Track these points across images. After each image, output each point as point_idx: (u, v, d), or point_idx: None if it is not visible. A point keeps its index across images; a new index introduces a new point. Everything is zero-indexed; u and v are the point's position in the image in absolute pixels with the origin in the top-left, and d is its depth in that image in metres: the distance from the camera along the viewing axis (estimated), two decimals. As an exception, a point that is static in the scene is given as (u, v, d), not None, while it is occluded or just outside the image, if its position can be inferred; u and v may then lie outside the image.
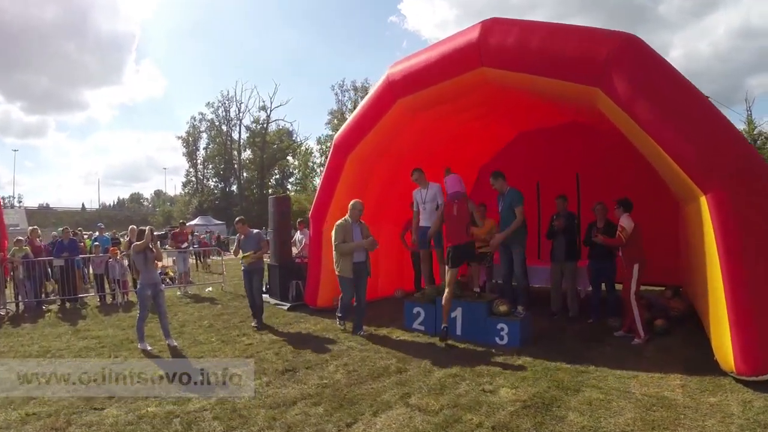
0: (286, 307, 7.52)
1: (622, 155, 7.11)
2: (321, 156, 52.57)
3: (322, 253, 7.10)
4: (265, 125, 52.36)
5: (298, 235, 9.41)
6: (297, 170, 54.70)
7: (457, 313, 5.38)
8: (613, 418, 3.26)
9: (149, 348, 5.31)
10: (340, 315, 6.08)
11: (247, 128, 52.88)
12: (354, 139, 6.71)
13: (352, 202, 5.82)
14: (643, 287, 6.85)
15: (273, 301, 8.08)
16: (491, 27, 4.95)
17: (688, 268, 5.40)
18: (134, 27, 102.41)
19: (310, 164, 53.53)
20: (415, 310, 5.82)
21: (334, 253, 5.73)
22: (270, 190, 50.72)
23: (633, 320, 4.94)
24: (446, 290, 5.22)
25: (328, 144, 54.28)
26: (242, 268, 6.50)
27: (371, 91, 6.51)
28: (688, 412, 3.30)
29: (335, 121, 50.13)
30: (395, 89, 6.04)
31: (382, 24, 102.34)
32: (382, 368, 4.50)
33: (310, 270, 7.45)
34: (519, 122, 7.82)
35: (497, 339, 5.07)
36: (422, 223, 6.14)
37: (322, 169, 56.39)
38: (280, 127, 53.25)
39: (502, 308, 5.19)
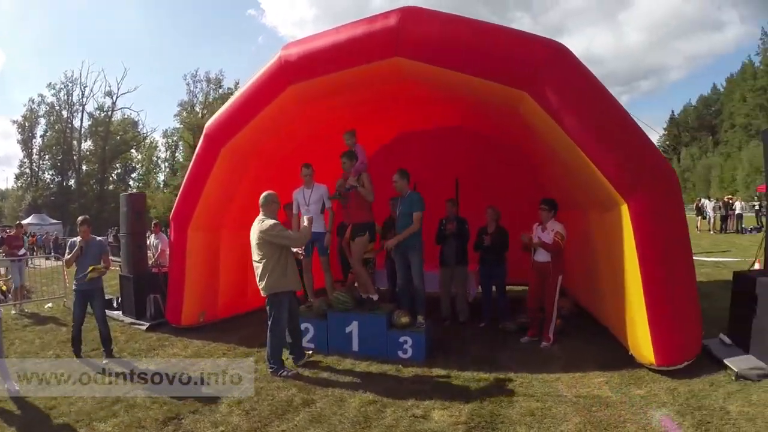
0: (144, 327, 6.26)
1: (505, 162, 7.52)
2: (166, 150, 49.61)
3: (186, 261, 5.99)
4: (109, 113, 46.87)
5: (153, 240, 8.14)
6: (141, 165, 50.07)
7: (353, 328, 4.89)
8: (562, 425, 3.20)
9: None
10: (273, 364, 4.44)
11: (90, 115, 46.93)
12: (231, 129, 5.73)
13: (267, 196, 4.52)
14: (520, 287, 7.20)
15: (128, 320, 6.66)
16: (412, 15, 4.58)
17: (583, 271, 5.66)
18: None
19: (155, 159, 49.83)
20: (303, 326, 5.07)
21: (262, 263, 4.35)
22: (111, 186, 46.24)
23: (546, 326, 4.96)
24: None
25: (175, 138, 50.38)
26: (74, 287, 4.95)
27: (258, 74, 5.56)
28: (625, 407, 3.37)
29: (185, 113, 47.12)
30: (289, 72, 5.24)
31: (239, 15, 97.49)
32: (284, 402, 3.67)
33: (171, 281, 6.20)
34: (402, 121, 7.64)
35: (400, 353, 4.70)
36: None
37: (166, 164, 52.42)
38: (126, 116, 48.27)
39: (404, 320, 4.83)
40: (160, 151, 50.36)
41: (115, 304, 7.32)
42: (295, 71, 5.20)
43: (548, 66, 4.00)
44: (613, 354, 4.40)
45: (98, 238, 5.39)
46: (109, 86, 51.26)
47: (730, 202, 19.34)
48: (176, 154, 51.28)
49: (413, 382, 4.04)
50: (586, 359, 4.40)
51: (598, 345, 4.77)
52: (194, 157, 6.09)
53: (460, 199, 7.36)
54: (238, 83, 48.14)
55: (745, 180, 44.19)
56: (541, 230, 4.94)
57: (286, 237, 4.35)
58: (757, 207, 20.72)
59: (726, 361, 3.78)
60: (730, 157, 53.04)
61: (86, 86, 46.27)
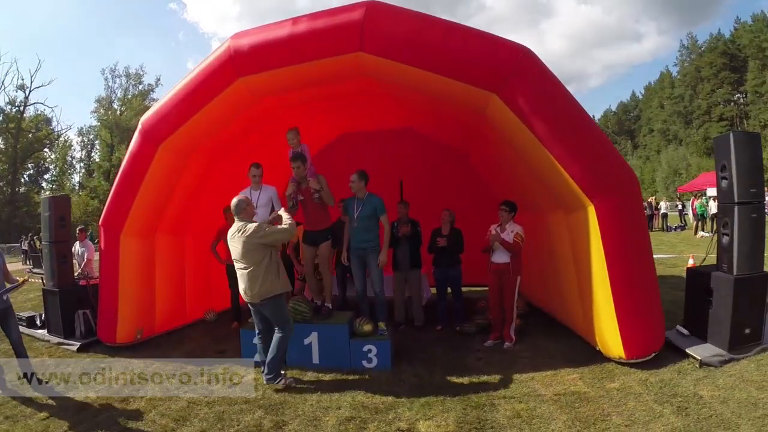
0: (75, 348, 5.56)
1: (451, 165, 7.59)
2: (82, 150, 46.30)
3: (119, 272, 5.42)
4: (21, 108, 42.07)
5: (78, 248, 7.49)
6: (54, 166, 45.79)
7: (312, 339, 4.64)
8: (551, 424, 3.22)
9: None
10: (271, 371, 4.17)
11: (1, 110, 41.96)
12: (171, 125, 5.26)
13: (239, 202, 4.15)
14: (476, 288, 7.28)
15: (54, 339, 5.91)
16: (377, 10, 4.41)
17: (537, 270, 5.76)
18: None
19: (69, 159, 46.11)
20: (256, 339, 4.66)
21: (250, 270, 3.99)
22: (23, 189, 42.26)
23: (507, 326, 4.98)
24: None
25: (91, 136, 47.25)
26: None
27: (203, 65, 5.13)
28: (605, 401, 3.46)
29: (102, 110, 44.06)
30: (240, 65, 4.87)
31: (161, 9, 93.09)
32: (253, 427, 3.35)
33: (102, 295, 5.59)
34: (346, 121, 7.48)
35: (365, 362, 4.53)
36: None
37: (81, 165, 49.06)
38: (40, 112, 43.69)
39: (367, 328, 4.65)
40: (75, 150, 46.68)
41: (38, 322, 6.51)
42: (245, 63, 4.84)
43: (518, 69, 4.03)
44: (578, 350, 4.53)
45: None
46: (22, 79, 47.08)
47: (653, 202, 21.03)
48: (92, 154, 47.80)
49: (386, 393, 3.83)
50: (553, 356, 4.47)
51: (561, 342, 4.87)
52: (128, 155, 5.55)
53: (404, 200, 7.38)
54: (159, 79, 45.98)
55: (664, 181, 48.72)
56: (500, 231, 4.95)
57: (277, 231, 4.05)
58: (680, 207, 22.80)
59: (688, 351, 3.97)
60: (649, 160, 58.32)
61: (-4, 78, 41.66)
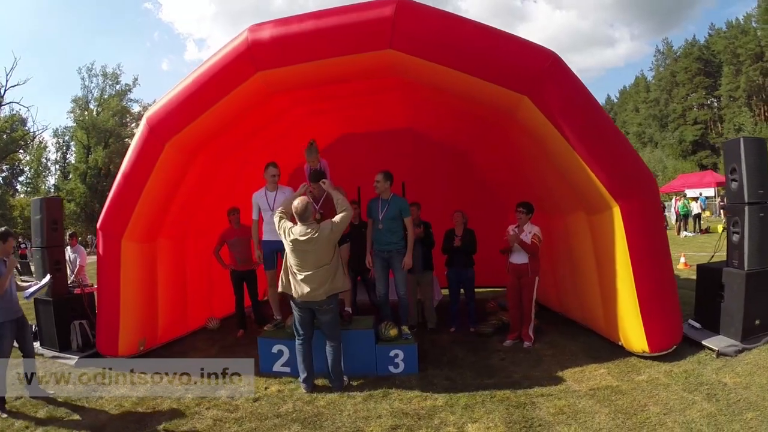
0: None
1: (452, 166, 7.76)
2: (57, 152, 44.39)
3: (120, 279, 5.22)
4: None
5: (70, 254, 7.30)
6: (29, 167, 43.86)
7: None
8: (595, 418, 3.38)
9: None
10: (340, 377, 4.28)
11: None
12: (181, 120, 5.09)
13: (308, 206, 4.22)
14: (481, 289, 7.36)
15: (49, 353, 5.63)
16: (408, 6, 4.44)
17: (548, 269, 5.86)
18: None
19: (44, 161, 44.33)
20: (275, 348, 4.68)
21: (324, 267, 4.11)
22: None
23: (526, 326, 5.14)
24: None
25: (67, 137, 45.29)
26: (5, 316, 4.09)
27: (216, 58, 4.96)
28: (638, 393, 3.67)
29: (78, 110, 42.23)
30: (259, 58, 4.73)
31: (136, 8, 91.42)
32: None
33: (102, 304, 5.33)
34: (348, 121, 7.47)
35: (391, 368, 4.52)
36: (268, 237, 5.03)
37: (57, 167, 46.70)
38: (15, 112, 41.71)
39: (393, 332, 4.67)
40: (50, 152, 44.51)
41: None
42: (266, 56, 4.70)
43: (550, 73, 4.20)
44: (596, 347, 4.76)
45: None
46: (-5, 77, 44.96)
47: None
48: (68, 156, 46.18)
49: (423, 399, 3.85)
50: (575, 354, 4.67)
51: (578, 340, 5.09)
52: (131, 153, 5.29)
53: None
54: (137, 79, 44.86)
55: (640, 183, 50.59)
56: (518, 232, 5.12)
57: (342, 220, 4.19)
58: (663, 206, 23.83)
59: (704, 342, 4.29)
60: (625, 162, 60.34)
61: (-31, 76, 39.54)
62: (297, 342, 4.33)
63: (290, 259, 4.20)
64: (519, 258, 5.09)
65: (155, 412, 3.89)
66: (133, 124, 42.04)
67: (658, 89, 58.24)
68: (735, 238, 4.34)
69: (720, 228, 11.59)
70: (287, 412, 3.73)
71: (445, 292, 6.62)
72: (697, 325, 4.66)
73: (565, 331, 5.50)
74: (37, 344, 5.73)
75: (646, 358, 4.25)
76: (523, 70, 4.24)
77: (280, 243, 4.67)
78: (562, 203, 5.31)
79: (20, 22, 69.78)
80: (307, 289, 4.08)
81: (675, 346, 4.24)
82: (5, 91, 40.65)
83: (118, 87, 44.03)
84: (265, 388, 4.21)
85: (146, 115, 5.24)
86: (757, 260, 4.21)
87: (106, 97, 42.85)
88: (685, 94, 54.41)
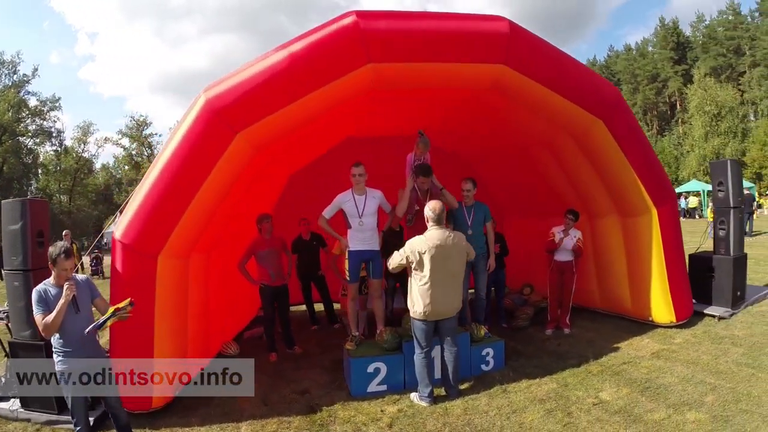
0: (77, 429, 3.66)
1: (459, 172, 8.29)
2: None
3: (155, 308, 4.29)
4: None
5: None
6: None
7: (434, 353, 4.73)
8: (675, 369, 4.64)
9: None
10: (455, 382, 4.57)
11: None
12: (262, 108, 4.40)
13: (443, 208, 4.48)
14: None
15: (41, 417, 4.40)
16: (517, 27, 4.82)
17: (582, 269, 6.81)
18: None
19: None
20: (371, 367, 4.71)
21: (459, 279, 4.43)
22: None
23: (564, 316, 6.41)
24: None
25: None
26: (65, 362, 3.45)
27: (313, 38, 4.40)
28: (685, 350, 5.18)
29: None
30: (373, 48, 4.48)
31: None
32: None
33: (124, 346, 4.28)
34: (353, 125, 7.45)
35: (483, 366, 5.04)
36: (359, 246, 4.98)
37: None
38: None
39: (482, 332, 5.21)
40: None
41: (-1, 391, 4.48)
42: (380, 48, 4.48)
43: (618, 103, 5.54)
44: (622, 326, 6.17)
45: (79, 276, 3.64)
46: None
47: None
48: None
49: (538, 386, 4.46)
50: (612, 332, 5.98)
51: (605, 323, 6.44)
52: (181, 141, 4.30)
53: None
54: (36, 69, 39.49)
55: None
56: (564, 235, 6.36)
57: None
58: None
59: (706, 311, 6.20)
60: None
61: None
62: (418, 355, 4.44)
63: (424, 270, 4.19)
64: (565, 256, 6.35)
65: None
66: (29, 120, 37.82)
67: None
68: (721, 233, 6.35)
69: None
70: (437, 429, 3.83)
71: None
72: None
73: (585, 317, 6.80)
74: (12, 403, 4.49)
75: (670, 327, 5.86)
76: (599, 98, 5.44)
77: (370, 253, 4.96)
78: (593, 208, 6.62)
79: None
80: (445, 301, 4.29)
81: (690, 316, 6.00)
82: None
83: (15, 77, 38.25)
84: (381, 410, 4.18)
85: (207, 95, 4.33)
86: (738, 248, 6.27)
87: (1, 87, 36.95)
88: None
